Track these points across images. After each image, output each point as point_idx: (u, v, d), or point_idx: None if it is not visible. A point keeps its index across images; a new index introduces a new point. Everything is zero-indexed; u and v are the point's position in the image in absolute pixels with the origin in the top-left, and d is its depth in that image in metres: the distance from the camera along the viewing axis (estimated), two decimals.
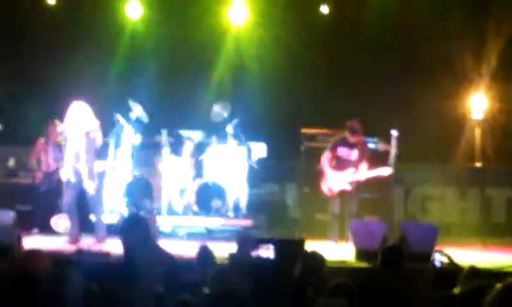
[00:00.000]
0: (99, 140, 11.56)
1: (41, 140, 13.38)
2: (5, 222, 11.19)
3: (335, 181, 11.86)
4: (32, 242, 11.06)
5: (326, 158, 11.98)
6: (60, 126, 11.57)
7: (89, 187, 11.30)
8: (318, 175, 12.21)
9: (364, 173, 11.80)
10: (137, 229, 7.60)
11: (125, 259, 7.31)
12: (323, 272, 6.96)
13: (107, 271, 7.55)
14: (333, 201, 12.01)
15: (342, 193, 11.91)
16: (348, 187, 11.83)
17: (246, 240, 8.55)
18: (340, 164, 11.91)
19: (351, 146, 11.87)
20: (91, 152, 11.38)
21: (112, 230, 11.36)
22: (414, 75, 14.93)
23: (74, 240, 11.29)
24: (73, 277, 5.49)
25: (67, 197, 11.46)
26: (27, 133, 14.14)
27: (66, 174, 11.37)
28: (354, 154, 11.88)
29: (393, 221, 12.57)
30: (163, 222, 13.00)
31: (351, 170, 11.83)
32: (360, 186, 12.00)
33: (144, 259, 6.94)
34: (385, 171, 11.85)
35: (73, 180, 11.30)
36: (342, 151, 11.91)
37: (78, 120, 11.26)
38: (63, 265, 6.97)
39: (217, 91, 15.44)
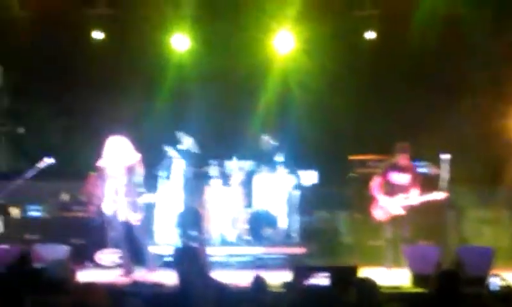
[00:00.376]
0: (140, 173, 11.65)
1: (93, 174, 13.50)
2: (59, 256, 11.32)
3: (387, 206, 11.79)
4: (86, 275, 11.16)
5: (376, 183, 11.94)
6: (99, 162, 11.66)
7: (133, 220, 11.41)
8: (369, 201, 12.15)
9: (417, 197, 11.74)
10: (189, 260, 7.64)
11: (180, 290, 7.36)
12: (377, 298, 6.92)
13: (162, 302, 7.61)
14: (386, 227, 11.95)
15: (395, 218, 11.83)
16: (401, 212, 11.77)
17: (300, 268, 8.54)
18: (392, 189, 11.88)
19: (401, 170, 11.83)
20: (132, 185, 11.48)
21: (165, 261, 11.43)
22: (462, 99, 14.85)
23: (127, 272, 11.38)
24: None
25: (114, 231, 11.57)
26: (79, 168, 14.31)
27: (109, 209, 11.48)
28: (405, 178, 11.83)
29: (447, 245, 12.43)
30: (215, 252, 13.01)
31: (403, 195, 11.76)
32: (412, 211, 11.91)
33: (198, 290, 6.97)
34: (439, 196, 11.76)
35: (116, 213, 11.40)
36: (394, 177, 11.86)
37: (117, 155, 11.39)
38: (118, 298, 7.05)
39: (264, 120, 15.49)
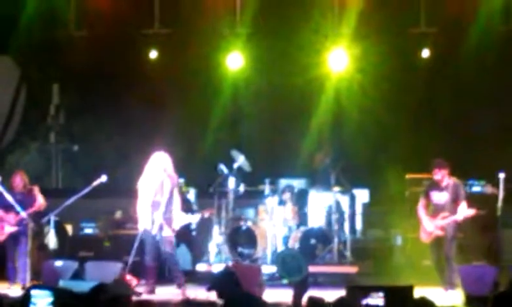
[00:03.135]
0: (176, 190, 11.68)
1: None
2: (113, 274, 11.40)
3: (428, 227, 11.65)
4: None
5: (421, 205, 11.81)
6: (142, 178, 11.69)
7: (167, 236, 11.44)
8: (418, 222, 12.02)
9: (449, 217, 11.50)
10: (227, 283, 7.66)
11: None
12: None
13: None
14: (431, 249, 11.81)
15: (437, 239, 11.64)
16: (439, 232, 11.56)
17: (354, 288, 8.47)
18: (435, 209, 11.69)
19: (440, 189, 11.62)
20: (170, 202, 11.51)
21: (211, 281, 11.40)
22: None
23: (150, 289, 11.41)
24: None
25: (147, 248, 11.68)
26: (133, 186, 14.39)
27: (144, 224, 11.53)
28: (444, 197, 11.62)
29: (502, 266, 12.23)
30: (268, 271, 12.97)
31: (441, 215, 11.57)
32: (459, 230, 11.69)
33: None
34: (470, 212, 11.49)
35: (151, 229, 11.47)
36: (435, 196, 11.70)
37: (158, 171, 11.45)
38: None
39: (317, 138, 15.46)
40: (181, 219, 12.90)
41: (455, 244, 11.63)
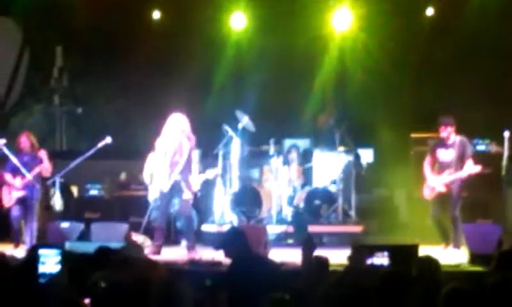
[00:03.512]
0: (193, 152, 11.69)
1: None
2: (118, 234, 11.47)
3: (432, 184, 11.55)
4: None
5: (427, 162, 11.69)
6: (159, 139, 11.69)
7: (187, 199, 11.45)
8: (422, 180, 11.99)
9: (453, 174, 11.38)
10: (236, 242, 7.68)
11: (230, 271, 7.40)
12: (439, 277, 6.86)
13: (218, 281, 7.66)
14: (432, 205, 11.67)
15: (440, 196, 11.53)
16: (443, 189, 11.45)
17: (361, 247, 8.51)
18: (440, 166, 11.57)
19: (447, 146, 11.48)
20: (188, 163, 11.52)
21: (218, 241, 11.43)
22: None
23: (157, 250, 11.44)
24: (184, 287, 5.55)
25: (161, 208, 11.68)
26: (137, 148, 14.44)
27: (162, 186, 11.50)
28: (450, 155, 11.48)
29: (507, 224, 12.25)
30: (273, 230, 13.01)
31: (447, 172, 11.46)
32: (464, 188, 11.64)
33: (249, 270, 6.99)
34: (474, 169, 11.31)
35: (167, 190, 11.45)
36: (441, 154, 11.57)
37: (176, 132, 11.42)
38: (178, 276, 7.11)
39: (321, 98, 15.43)
40: (198, 180, 12.97)
41: (460, 203, 11.62)
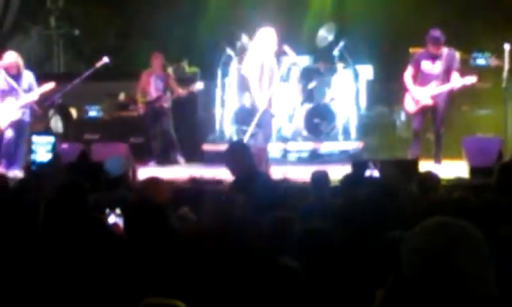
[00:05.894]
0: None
1: (145, 72, 13.44)
2: (118, 154, 11.46)
3: (417, 97, 11.11)
4: (148, 173, 11.26)
5: (409, 74, 11.22)
6: (247, 54, 11.25)
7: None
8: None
9: (445, 85, 11.03)
10: (240, 156, 7.67)
11: (233, 187, 7.41)
12: (439, 190, 6.90)
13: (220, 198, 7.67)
14: (415, 118, 11.37)
15: (425, 109, 11.22)
16: (429, 102, 11.08)
17: (359, 162, 8.53)
18: (424, 78, 11.11)
19: (434, 58, 11.04)
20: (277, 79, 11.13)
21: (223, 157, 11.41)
22: None
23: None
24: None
25: (269, 128, 11.31)
26: (137, 68, 14.35)
27: (260, 103, 10.97)
28: (437, 67, 11.05)
29: (507, 137, 12.25)
30: (273, 149, 13.02)
31: (433, 83, 11.03)
32: (446, 101, 11.40)
33: (252, 186, 6.99)
34: (469, 80, 11.08)
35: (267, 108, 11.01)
36: (426, 65, 11.08)
37: (267, 46, 10.89)
38: (179, 193, 7.13)
39: (319, 13, 15.27)
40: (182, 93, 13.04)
41: (445, 118, 11.42)
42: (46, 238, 4.64)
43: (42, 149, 7.44)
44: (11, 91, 11.55)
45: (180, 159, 13.24)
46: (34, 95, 11.57)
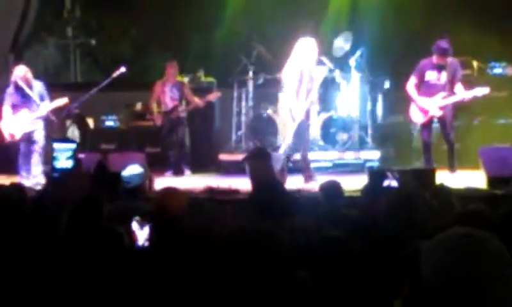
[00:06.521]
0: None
1: (159, 82, 13.47)
2: (134, 164, 11.46)
3: (426, 107, 10.94)
4: (165, 183, 11.27)
5: (413, 84, 11.01)
6: (287, 65, 11.19)
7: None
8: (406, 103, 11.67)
9: (456, 96, 10.88)
10: (261, 159, 7.64)
11: (253, 196, 7.39)
12: (454, 202, 6.87)
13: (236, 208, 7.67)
14: (424, 130, 11.25)
15: (430, 120, 11.05)
16: (438, 114, 10.92)
17: (376, 172, 8.52)
18: (429, 89, 10.91)
19: (439, 68, 10.86)
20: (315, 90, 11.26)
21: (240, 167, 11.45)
22: None
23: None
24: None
25: (305, 138, 11.30)
26: (153, 78, 14.39)
27: (297, 113, 11.02)
28: (443, 77, 10.85)
29: None
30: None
31: (440, 94, 10.84)
32: (453, 111, 11.29)
33: (270, 195, 6.98)
34: (481, 91, 10.87)
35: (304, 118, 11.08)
36: (432, 76, 10.90)
37: (307, 56, 10.98)
38: (197, 204, 7.12)
39: (335, 23, 15.27)
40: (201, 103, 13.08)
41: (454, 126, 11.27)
42: (67, 250, 4.66)
43: (63, 155, 7.49)
44: (23, 104, 11.59)
45: (187, 171, 13.26)
46: (45, 109, 11.54)
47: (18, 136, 11.56)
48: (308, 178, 11.03)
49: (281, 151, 11.13)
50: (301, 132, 11.07)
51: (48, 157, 11.01)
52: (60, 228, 5.03)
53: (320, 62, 12.10)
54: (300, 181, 10.82)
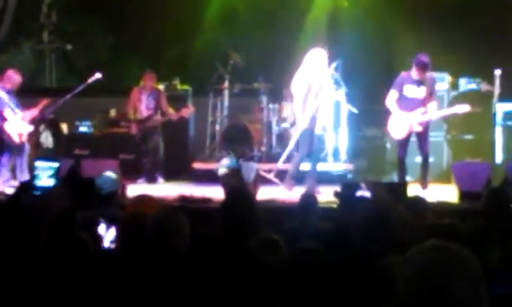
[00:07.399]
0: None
1: (136, 89, 13.45)
2: (108, 171, 11.43)
3: (408, 121, 10.83)
4: (138, 190, 11.25)
5: (393, 98, 10.89)
6: (297, 75, 11.22)
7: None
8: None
9: (436, 112, 10.92)
10: (235, 179, 7.67)
11: (226, 206, 7.39)
12: (428, 215, 6.90)
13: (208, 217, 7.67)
14: (401, 146, 11.10)
15: (409, 135, 10.95)
16: (419, 129, 10.84)
17: (349, 184, 8.54)
18: (408, 103, 10.80)
19: (418, 83, 10.76)
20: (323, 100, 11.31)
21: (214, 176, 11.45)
22: None
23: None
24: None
25: (305, 147, 11.35)
26: (128, 85, 14.37)
27: (301, 123, 11.15)
28: (421, 92, 10.77)
29: (494, 162, 12.30)
30: (263, 168, 13.01)
31: (420, 110, 10.78)
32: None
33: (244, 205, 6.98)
34: (462, 109, 10.93)
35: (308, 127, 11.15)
36: (410, 90, 10.81)
37: (317, 67, 11.06)
38: (169, 212, 7.10)
39: (312, 37, 15.32)
40: (174, 117, 13.06)
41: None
42: (40, 260, 4.64)
43: (45, 174, 7.45)
44: (17, 107, 11.90)
45: (160, 179, 13.24)
46: (36, 110, 11.98)
47: (25, 137, 11.86)
48: (291, 185, 11.16)
49: (281, 160, 11.31)
50: (302, 141, 11.24)
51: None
52: (35, 239, 4.99)
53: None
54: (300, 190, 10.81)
